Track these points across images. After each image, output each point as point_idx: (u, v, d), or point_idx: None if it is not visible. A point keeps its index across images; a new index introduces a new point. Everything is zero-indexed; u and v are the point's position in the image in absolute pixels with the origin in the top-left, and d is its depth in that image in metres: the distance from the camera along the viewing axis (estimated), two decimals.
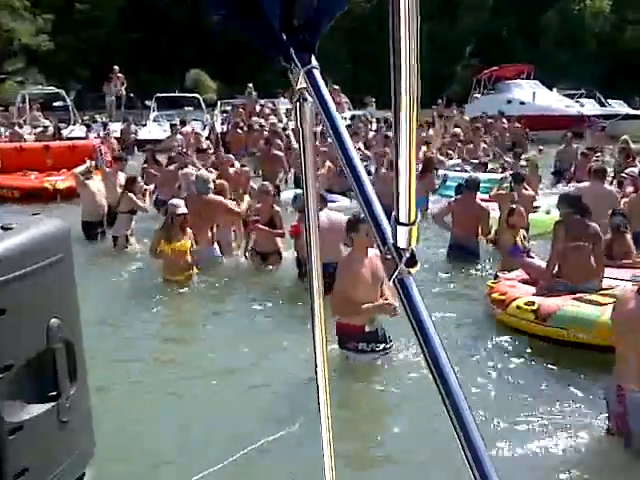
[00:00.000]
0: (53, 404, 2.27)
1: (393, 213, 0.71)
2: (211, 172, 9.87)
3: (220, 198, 8.24)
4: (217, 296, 7.34)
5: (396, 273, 0.71)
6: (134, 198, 9.03)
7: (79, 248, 8.90)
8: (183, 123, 17.64)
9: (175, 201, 7.58)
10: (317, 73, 0.97)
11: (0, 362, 2.06)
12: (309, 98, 0.99)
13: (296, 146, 13.79)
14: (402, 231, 0.71)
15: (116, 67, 23.13)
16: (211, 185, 8.30)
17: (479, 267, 8.11)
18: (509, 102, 23.39)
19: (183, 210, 7.28)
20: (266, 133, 15.91)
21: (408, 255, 0.72)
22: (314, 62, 0.97)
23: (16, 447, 2.14)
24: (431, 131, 18.10)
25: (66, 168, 13.95)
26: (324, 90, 0.95)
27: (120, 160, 10.94)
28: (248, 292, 7.42)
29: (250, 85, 21.83)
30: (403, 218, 0.70)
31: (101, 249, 9.22)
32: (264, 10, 1.00)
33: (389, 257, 0.72)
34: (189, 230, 7.40)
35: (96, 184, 9.89)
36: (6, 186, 13.17)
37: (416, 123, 0.68)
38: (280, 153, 13.04)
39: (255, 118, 19.68)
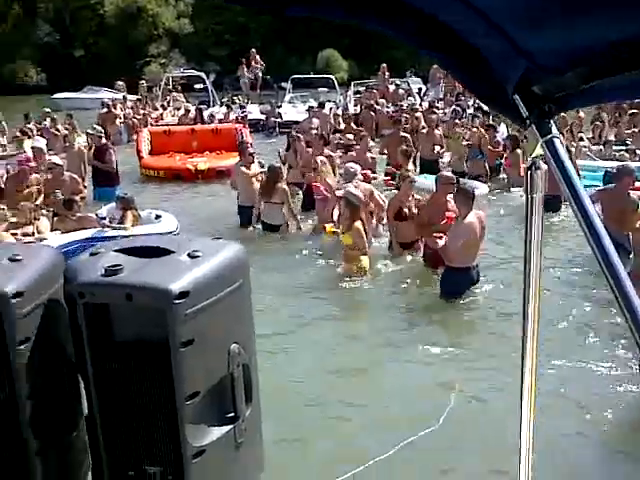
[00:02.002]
0: (231, 426, 2.31)
1: None
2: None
3: (371, 188, 8.20)
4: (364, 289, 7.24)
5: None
6: (287, 190, 8.89)
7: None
8: (322, 105, 17.66)
9: (353, 190, 7.46)
10: (558, 142, 0.93)
11: (188, 390, 2.11)
12: (542, 166, 0.97)
13: (422, 129, 13.49)
14: None
15: (253, 50, 23.65)
16: (359, 176, 8.25)
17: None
18: None
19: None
20: (394, 114, 15.72)
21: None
22: (554, 131, 0.94)
23: (199, 470, 2.20)
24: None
25: (209, 150, 14.54)
26: (565, 158, 0.92)
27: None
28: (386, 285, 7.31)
29: (384, 65, 21.53)
30: None
31: (254, 235, 9.25)
32: (493, 67, 0.95)
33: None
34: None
35: (252, 170, 9.74)
36: (154, 167, 13.94)
37: None
38: (407, 135, 12.78)
39: (383, 100, 19.45)
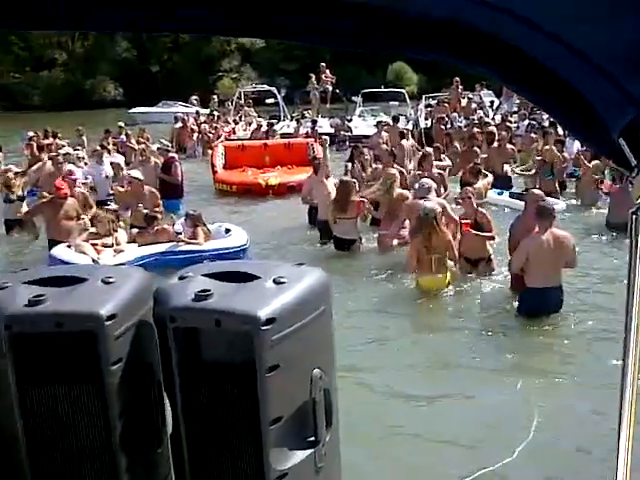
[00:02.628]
0: (312, 451, 2.32)
1: None
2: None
3: (444, 203, 8.11)
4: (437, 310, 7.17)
5: None
6: (361, 205, 8.88)
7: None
8: (396, 119, 17.59)
9: (430, 204, 7.46)
10: None
11: (272, 414, 2.14)
12: None
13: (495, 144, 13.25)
14: None
15: (323, 64, 23.88)
16: (432, 192, 8.18)
17: None
18: None
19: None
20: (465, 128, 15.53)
21: None
22: None
23: None
24: None
25: (281, 165, 14.75)
26: None
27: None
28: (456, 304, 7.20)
29: (457, 79, 21.32)
30: None
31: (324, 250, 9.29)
32: (598, 112, 0.93)
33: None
34: None
35: (330, 184, 9.82)
36: (227, 181, 14.26)
37: None
38: (477, 150, 12.59)
39: (455, 114, 19.26)
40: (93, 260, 7.79)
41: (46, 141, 15.22)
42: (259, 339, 2.05)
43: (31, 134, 15.36)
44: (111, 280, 2.30)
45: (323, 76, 24.15)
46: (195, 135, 19.59)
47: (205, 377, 2.19)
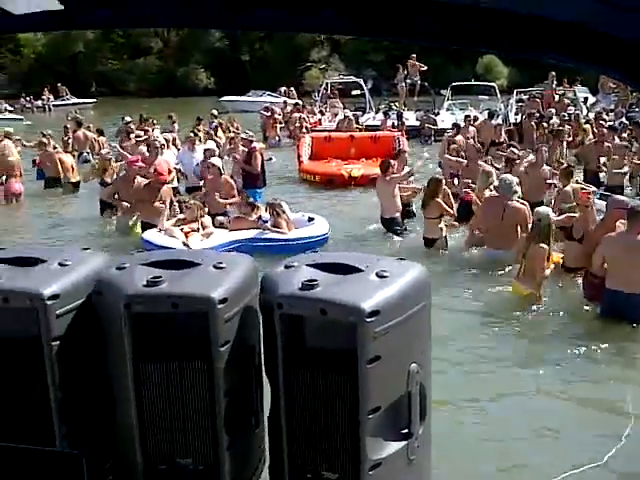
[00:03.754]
0: (405, 443, 2.37)
1: None
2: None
3: (523, 206, 7.85)
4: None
5: None
6: (443, 205, 8.76)
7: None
8: (491, 115, 17.13)
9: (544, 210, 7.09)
10: None
11: (371, 404, 2.20)
12: None
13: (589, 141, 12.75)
14: None
15: (413, 55, 23.64)
16: (517, 190, 7.95)
17: None
18: None
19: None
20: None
21: None
22: None
23: None
24: None
25: (366, 157, 14.77)
26: None
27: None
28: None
29: (552, 73, 20.60)
30: None
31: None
32: None
33: None
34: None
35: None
36: (311, 171, 14.41)
37: None
38: (564, 148, 12.16)
39: (552, 110, 18.61)
40: (183, 244, 8.10)
41: (141, 127, 15.83)
42: (363, 330, 2.11)
43: (128, 119, 15.99)
44: (222, 265, 2.42)
45: (411, 68, 23.90)
46: (280, 125, 19.86)
47: (308, 363, 2.28)
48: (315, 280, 2.23)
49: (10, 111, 30.49)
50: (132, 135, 14.19)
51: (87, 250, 2.69)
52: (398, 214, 9.48)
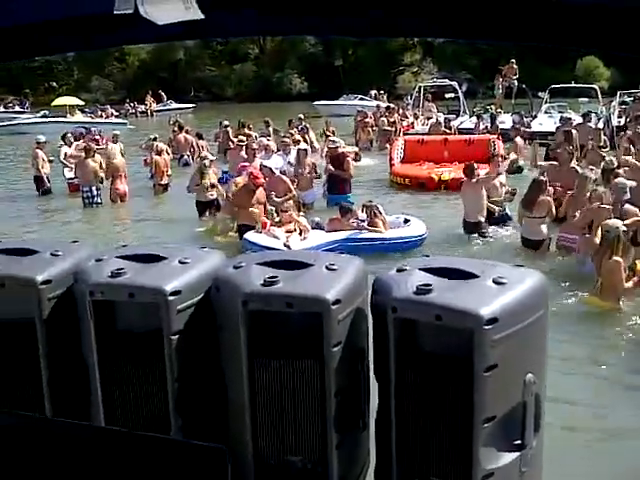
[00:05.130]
0: (518, 454, 2.31)
1: None
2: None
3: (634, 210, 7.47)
4: None
5: None
6: (551, 202, 8.48)
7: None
8: (586, 116, 16.50)
9: (613, 222, 6.80)
10: None
11: (486, 413, 2.16)
12: None
13: None
14: None
15: (513, 60, 23.08)
16: (628, 194, 7.60)
17: None
18: None
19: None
20: None
21: None
22: None
23: None
24: None
25: (460, 161, 14.51)
26: None
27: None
28: None
29: None
30: None
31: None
32: None
33: None
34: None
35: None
36: (402, 174, 14.34)
37: None
38: None
39: None
40: (285, 245, 8.27)
41: (241, 132, 16.29)
42: (480, 337, 2.07)
43: (226, 123, 16.50)
44: (334, 267, 2.45)
45: (509, 72, 23.31)
46: (371, 129, 19.87)
47: (421, 368, 2.26)
48: (430, 285, 2.21)
49: (116, 116, 32.13)
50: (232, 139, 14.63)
51: (204, 249, 2.80)
52: (482, 218, 9.28)
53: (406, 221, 9.39)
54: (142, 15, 1.29)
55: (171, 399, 2.51)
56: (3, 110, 36.59)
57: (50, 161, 14.14)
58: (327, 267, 2.45)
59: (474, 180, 9.32)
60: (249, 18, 1.29)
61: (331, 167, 11.85)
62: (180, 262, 2.56)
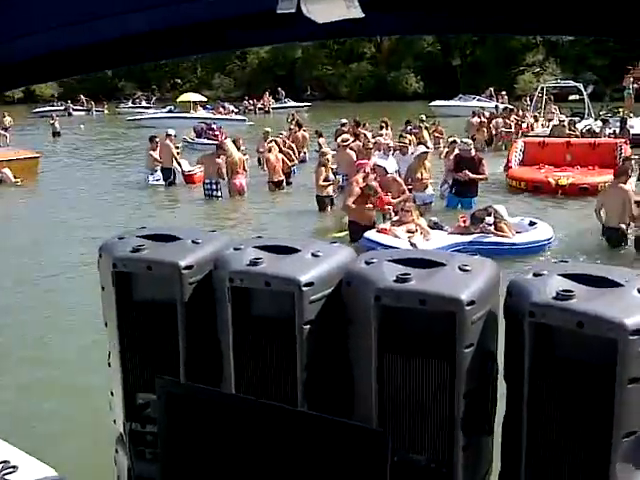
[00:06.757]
0: None
1: None
2: None
3: None
4: None
5: None
6: None
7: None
8: None
9: None
10: None
11: (628, 427, 2.07)
12: None
13: None
14: None
15: None
16: None
17: None
18: None
19: None
20: None
21: None
22: None
23: None
24: None
25: (582, 165, 13.90)
26: None
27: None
28: None
29: None
30: None
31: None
32: None
33: None
34: None
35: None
36: (518, 177, 13.95)
37: None
38: None
39: None
40: (410, 244, 8.29)
41: (357, 130, 16.41)
42: (625, 348, 1.99)
43: (344, 121, 16.69)
44: (467, 268, 2.43)
45: (638, 71, 22.02)
46: (486, 130, 19.42)
47: (557, 375, 2.20)
48: (571, 291, 2.14)
49: (236, 113, 33.28)
50: (339, 139, 14.81)
51: (335, 244, 2.85)
52: (623, 225, 8.86)
53: (532, 224, 9.19)
54: (304, 14, 1.33)
55: (299, 384, 2.58)
56: (131, 105, 38.94)
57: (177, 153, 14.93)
58: (460, 267, 2.43)
59: (622, 183, 8.98)
60: (405, 18, 1.31)
61: (460, 169, 11.80)
62: (313, 255, 2.63)
